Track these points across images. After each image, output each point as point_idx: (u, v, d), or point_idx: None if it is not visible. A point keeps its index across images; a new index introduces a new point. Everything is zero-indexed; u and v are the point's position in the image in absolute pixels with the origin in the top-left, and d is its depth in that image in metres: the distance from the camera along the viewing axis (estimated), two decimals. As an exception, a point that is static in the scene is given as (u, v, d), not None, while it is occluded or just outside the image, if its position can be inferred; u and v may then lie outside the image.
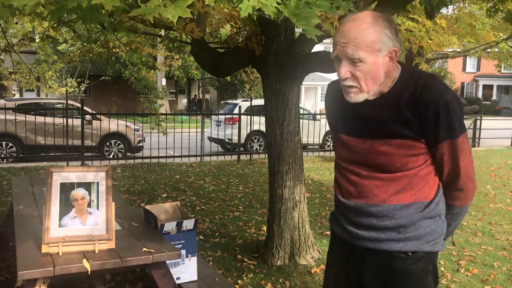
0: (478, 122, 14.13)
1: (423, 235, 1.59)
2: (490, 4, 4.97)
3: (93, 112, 10.90)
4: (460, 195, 1.63)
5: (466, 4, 7.94)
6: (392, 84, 1.57)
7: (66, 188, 2.29)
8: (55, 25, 4.51)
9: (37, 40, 7.95)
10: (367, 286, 1.68)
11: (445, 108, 1.49)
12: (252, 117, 11.01)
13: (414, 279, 1.60)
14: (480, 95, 39.56)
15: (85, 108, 9.57)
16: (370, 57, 1.49)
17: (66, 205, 2.27)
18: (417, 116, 1.51)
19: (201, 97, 28.55)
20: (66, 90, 9.84)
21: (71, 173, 2.33)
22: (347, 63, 1.52)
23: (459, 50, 10.71)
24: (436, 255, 1.66)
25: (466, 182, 1.60)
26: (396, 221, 1.58)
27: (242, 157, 10.58)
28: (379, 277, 1.64)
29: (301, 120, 4.29)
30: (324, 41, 4.04)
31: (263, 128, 10.87)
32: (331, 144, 13.28)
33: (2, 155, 9.76)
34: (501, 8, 4.71)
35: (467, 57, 19.76)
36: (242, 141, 11.35)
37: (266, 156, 4.52)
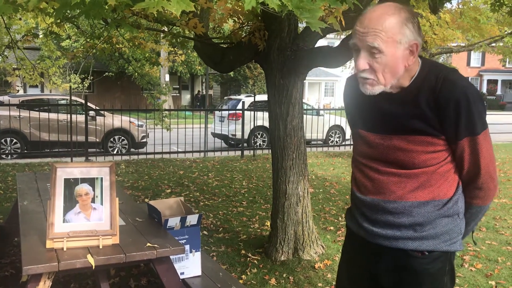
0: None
1: (440, 234, 1.55)
2: (495, -2, 4.92)
3: (97, 108, 10.92)
4: (480, 194, 1.58)
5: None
6: (412, 78, 1.53)
7: (70, 184, 2.30)
8: (59, 21, 4.51)
9: (40, 36, 7.96)
10: (382, 284, 1.66)
11: (466, 104, 1.45)
12: (255, 112, 11.01)
13: (430, 279, 1.57)
14: (484, 90, 39.41)
15: (88, 104, 9.58)
16: (389, 49, 1.45)
17: (70, 201, 2.27)
18: (437, 112, 1.47)
19: (204, 92, 28.53)
20: (70, 86, 9.83)
21: (75, 169, 2.33)
22: (365, 54, 1.48)
23: (464, 44, 10.66)
24: (454, 254, 1.63)
25: (487, 180, 1.55)
26: (413, 219, 1.55)
27: (246, 152, 10.58)
28: (394, 276, 1.61)
29: (304, 116, 4.28)
30: (327, 36, 4.03)
31: (266, 124, 10.87)
32: (335, 140, 13.27)
33: (7, 151, 9.79)
34: (506, 2, 4.66)
35: (472, 52, 19.67)
36: (246, 136, 11.35)
37: (270, 151, 4.51)
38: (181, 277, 2.78)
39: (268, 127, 4.50)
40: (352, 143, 1.82)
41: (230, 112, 12.18)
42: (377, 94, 1.54)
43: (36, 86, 22.76)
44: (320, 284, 3.54)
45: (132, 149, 11.01)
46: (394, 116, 1.54)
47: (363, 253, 1.70)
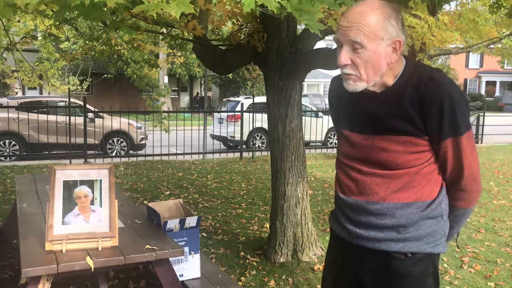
0: (481, 118, 14.10)
1: (424, 235, 1.55)
2: (493, 0, 4.94)
3: (96, 110, 10.92)
4: (463, 196, 1.58)
5: (469, 0, 7.90)
6: (396, 78, 1.52)
7: (69, 186, 2.29)
8: (58, 23, 4.51)
9: (39, 38, 7.97)
10: (365, 286, 1.65)
11: (450, 104, 1.44)
12: (254, 114, 11.00)
13: (413, 281, 1.57)
14: (483, 91, 39.49)
15: (87, 106, 9.58)
16: (371, 44, 1.44)
17: (69, 203, 2.27)
18: (421, 112, 1.47)
19: (203, 94, 28.53)
20: (69, 88, 9.86)
21: (74, 171, 2.33)
22: (347, 49, 1.47)
23: (462, 46, 10.66)
24: (438, 257, 1.62)
25: (470, 182, 1.54)
26: (396, 220, 1.54)
27: (245, 154, 10.58)
28: (378, 278, 1.60)
29: (303, 117, 4.29)
30: (326, 37, 4.03)
31: (265, 125, 10.85)
32: (334, 141, 13.27)
33: (5, 154, 9.78)
34: (504, 4, 4.68)
35: (470, 53, 19.74)
36: (245, 138, 11.34)
37: (269, 153, 4.52)
38: (180, 279, 2.78)
39: (267, 128, 4.50)
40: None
41: (229, 114, 12.18)
42: (360, 94, 1.53)
43: (35, 88, 22.73)
44: (319, 286, 3.54)
45: (131, 151, 11.00)
46: (377, 116, 1.54)
47: (347, 255, 1.69)
